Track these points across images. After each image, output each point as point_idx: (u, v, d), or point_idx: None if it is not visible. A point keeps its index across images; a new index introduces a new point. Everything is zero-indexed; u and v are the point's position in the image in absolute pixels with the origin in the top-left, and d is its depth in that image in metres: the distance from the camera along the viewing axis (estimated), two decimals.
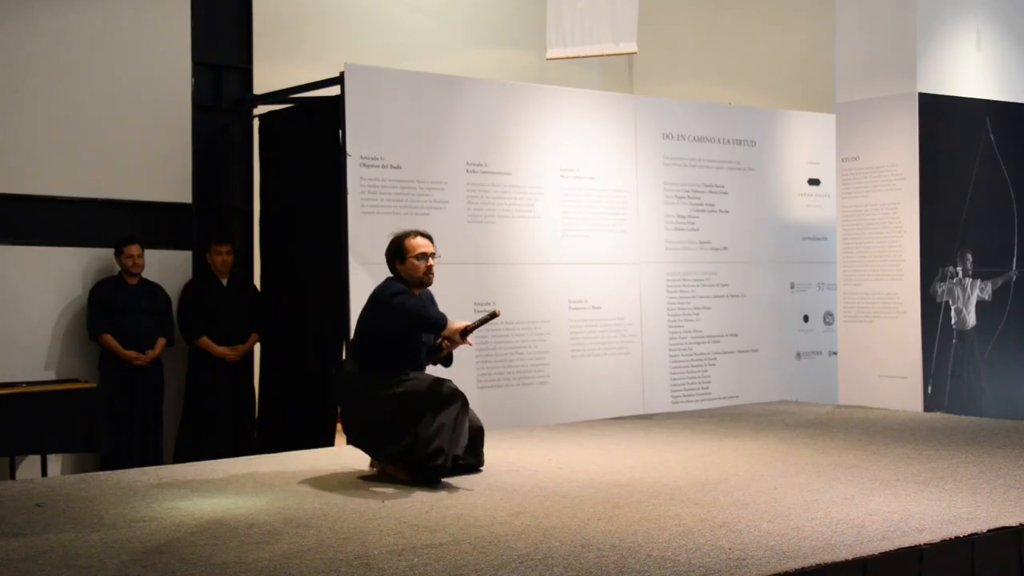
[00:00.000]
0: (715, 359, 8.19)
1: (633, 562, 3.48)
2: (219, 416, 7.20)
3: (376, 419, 4.98)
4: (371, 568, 3.44)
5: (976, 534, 3.85)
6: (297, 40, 9.87)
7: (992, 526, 3.93)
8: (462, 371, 6.73)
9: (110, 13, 7.23)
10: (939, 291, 7.48)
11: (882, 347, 7.57)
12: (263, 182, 7.79)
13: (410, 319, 4.93)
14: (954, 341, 7.52)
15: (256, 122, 7.86)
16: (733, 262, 8.33)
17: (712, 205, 8.25)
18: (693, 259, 8.12)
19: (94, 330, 6.86)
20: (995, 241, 7.78)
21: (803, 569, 3.39)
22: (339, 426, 7.20)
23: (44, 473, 6.49)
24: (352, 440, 5.17)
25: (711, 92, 10.65)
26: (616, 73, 11.87)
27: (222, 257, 7.34)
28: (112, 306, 6.88)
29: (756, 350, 8.41)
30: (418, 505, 4.43)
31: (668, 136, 8.07)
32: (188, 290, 7.29)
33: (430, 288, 5.24)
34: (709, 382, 8.13)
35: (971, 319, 7.62)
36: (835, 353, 8.37)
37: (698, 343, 8.11)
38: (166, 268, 7.31)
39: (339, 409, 5.21)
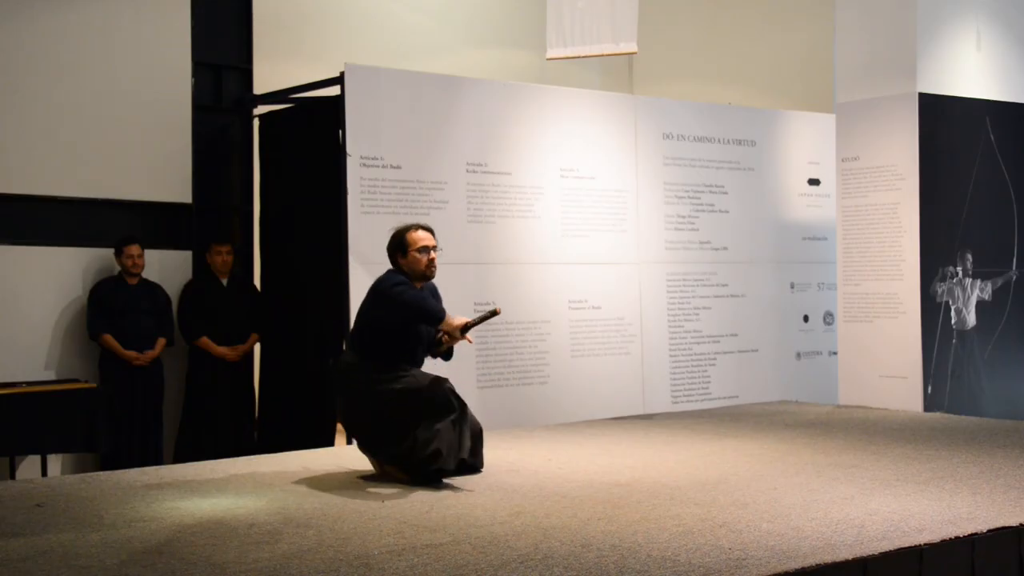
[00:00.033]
0: (715, 359, 8.19)
1: (633, 562, 3.48)
2: (219, 416, 7.20)
3: (374, 414, 4.98)
4: (371, 568, 3.44)
5: (976, 534, 3.85)
6: (297, 40, 9.87)
7: (992, 526, 3.93)
8: (462, 371, 6.73)
9: (110, 13, 7.23)
10: (939, 291, 7.48)
11: (882, 347, 7.57)
12: (263, 182, 7.79)
13: (408, 310, 4.91)
14: (954, 341, 7.52)
15: (256, 122, 7.86)
16: (733, 262, 8.33)
17: (712, 205, 8.25)
18: (693, 259, 8.12)
19: (94, 330, 6.86)
20: (995, 241, 7.78)
21: (803, 569, 3.39)
22: (339, 426, 7.23)
23: (44, 473, 6.49)
24: (350, 432, 5.17)
25: (711, 92, 10.65)
26: (616, 73, 11.87)
27: (222, 257, 7.34)
28: (112, 306, 6.89)
29: (756, 350, 8.41)
30: (418, 505, 4.43)
31: (668, 136, 8.07)
32: (188, 290, 7.29)
33: (434, 282, 5.23)
34: (709, 382, 8.13)
35: (971, 319, 7.62)
36: (835, 353, 8.37)
37: (698, 343, 8.11)
38: (166, 268, 7.31)
39: (337, 400, 5.19)
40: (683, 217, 8.11)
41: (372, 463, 5.17)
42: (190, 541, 3.83)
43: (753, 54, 10.87)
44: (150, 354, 6.96)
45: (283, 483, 4.94)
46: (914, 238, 7.42)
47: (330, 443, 6.91)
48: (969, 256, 7.62)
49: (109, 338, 6.85)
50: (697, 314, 8.12)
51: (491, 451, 5.46)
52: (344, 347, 5.21)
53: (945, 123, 7.54)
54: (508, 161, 7.29)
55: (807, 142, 8.80)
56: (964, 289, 7.60)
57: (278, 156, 7.65)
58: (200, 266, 7.45)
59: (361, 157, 6.66)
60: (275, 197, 7.68)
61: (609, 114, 7.82)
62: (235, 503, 4.49)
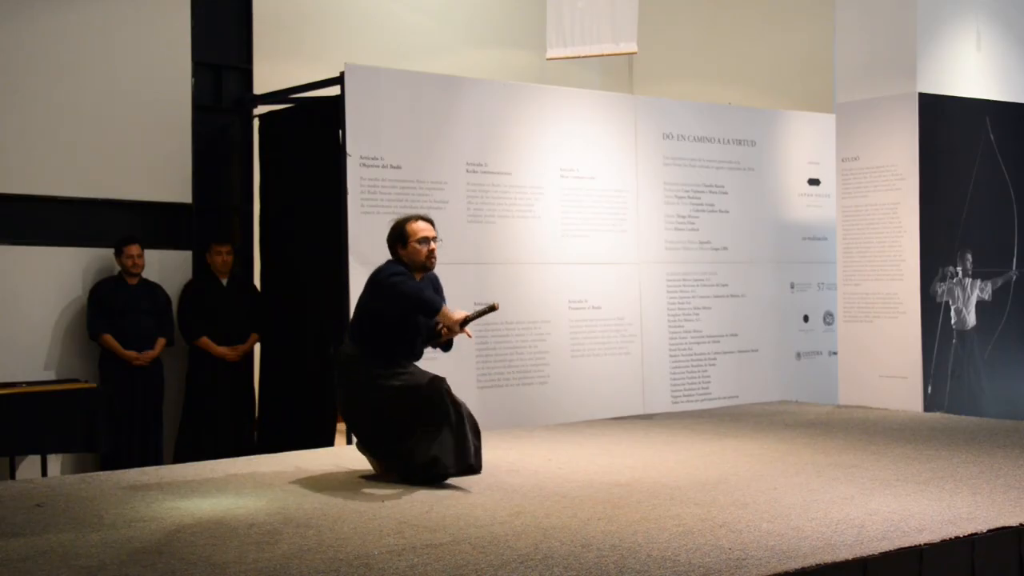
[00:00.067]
0: (715, 359, 8.19)
1: (633, 562, 3.48)
2: (219, 416, 7.20)
3: (373, 411, 4.97)
4: (371, 568, 3.44)
5: (976, 534, 3.85)
6: (297, 40, 9.88)
7: (992, 526, 3.93)
8: (462, 371, 6.74)
9: (110, 13, 7.23)
10: (939, 291, 7.48)
11: (882, 347, 7.57)
12: (263, 182, 7.79)
13: (407, 302, 4.90)
14: (954, 341, 7.52)
15: (256, 122, 7.86)
16: (733, 262, 8.33)
17: (712, 205, 8.25)
18: (693, 259, 8.12)
19: (94, 330, 6.86)
20: (995, 241, 7.78)
21: (803, 569, 3.39)
22: (339, 426, 7.24)
23: (44, 473, 6.49)
24: (348, 426, 5.16)
25: (711, 92, 10.66)
26: (616, 73, 11.87)
27: (222, 257, 7.34)
28: (112, 306, 6.89)
29: (756, 350, 8.41)
30: (418, 505, 4.43)
31: (668, 136, 8.07)
32: (188, 290, 7.29)
33: (436, 274, 5.22)
34: (709, 382, 8.13)
35: (971, 319, 7.62)
36: (835, 353, 8.37)
37: (698, 343, 8.11)
38: (166, 268, 7.31)
39: (337, 391, 5.19)
40: (683, 217, 8.11)
41: (372, 463, 5.17)
42: (190, 541, 3.83)
43: (753, 54, 10.87)
44: (150, 354, 6.96)
45: (283, 483, 4.94)
46: (914, 238, 7.42)
47: (330, 443, 6.91)
48: (969, 256, 7.62)
49: (109, 338, 6.85)
50: (697, 314, 8.12)
51: (491, 451, 5.46)
52: (345, 338, 5.18)
53: (945, 123, 7.54)
54: (508, 161, 7.29)
55: (807, 142, 8.80)
56: (964, 289, 7.60)
57: (278, 156, 7.64)
58: (200, 266, 7.44)
59: (361, 157, 6.66)
60: (275, 197, 7.68)
61: (609, 114, 7.82)
62: (235, 503, 4.49)
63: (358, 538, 3.85)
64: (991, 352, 7.69)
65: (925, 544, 3.70)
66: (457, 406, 4.94)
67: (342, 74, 6.70)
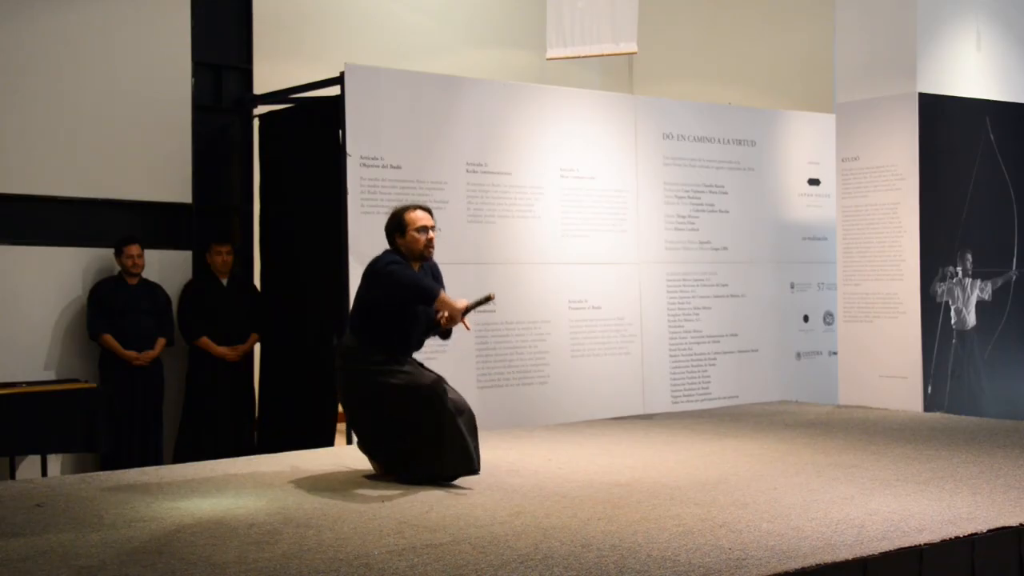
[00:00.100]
0: (715, 359, 8.19)
1: (633, 562, 3.48)
2: (219, 416, 7.20)
3: (373, 407, 4.97)
4: (371, 568, 3.44)
5: (976, 534, 3.85)
6: (297, 40, 9.88)
7: (992, 526, 3.93)
8: (462, 371, 6.74)
9: (110, 13, 7.23)
10: (939, 291, 7.48)
11: (882, 347, 7.57)
12: (263, 182, 7.79)
13: (404, 290, 4.87)
14: (954, 341, 7.52)
15: (256, 122, 7.86)
16: (733, 262, 8.33)
17: (712, 205, 8.25)
18: (693, 259, 8.12)
19: (94, 330, 6.86)
20: (995, 241, 7.78)
21: (803, 569, 3.39)
22: (339, 426, 7.24)
23: (44, 473, 6.49)
24: (349, 422, 5.15)
25: (711, 92, 10.66)
26: (616, 73, 11.87)
27: (222, 257, 7.34)
28: (112, 306, 6.89)
29: (756, 350, 8.41)
30: (418, 505, 4.43)
31: (668, 136, 8.07)
32: (188, 290, 7.29)
33: (436, 262, 5.22)
34: (709, 382, 8.13)
35: (971, 319, 7.62)
36: (835, 353, 8.37)
37: (698, 343, 8.11)
38: (166, 268, 7.31)
39: (337, 385, 5.19)
40: (683, 217, 8.11)
41: (372, 464, 5.17)
42: (190, 541, 3.83)
43: (753, 54, 10.87)
44: (150, 354, 6.96)
45: (283, 483, 4.94)
46: (914, 238, 7.42)
47: (330, 443, 6.91)
48: (969, 256, 7.62)
49: (109, 338, 6.85)
50: (697, 314, 8.12)
51: (491, 451, 5.46)
52: (346, 330, 5.17)
53: (945, 123, 7.54)
54: (508, 161, 7.29)
55: (807, 142, 8.80)
56: (964, 289, 7.60)
57: (278, 156, 7.65)
58: (200, 266, 7.44)
59: (361, 157, 6.66)
60: (275, 197, 7.68)
61: (609, 114, 7.82)
62: (235, 503, 4.49)
63: (358, 538, 3.85)
64: (991, 352, 7.69)
65: (925, 544, 3.70)
66: (458, 408, 4.94)
67: (342, 74, 6.70)
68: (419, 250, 5.02)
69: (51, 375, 6.88)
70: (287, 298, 7.52)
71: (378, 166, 6.70)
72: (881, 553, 3.57)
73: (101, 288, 6.94)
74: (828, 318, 8.77)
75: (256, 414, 7.57)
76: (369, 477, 5.07)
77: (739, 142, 8.42)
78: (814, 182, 8.84)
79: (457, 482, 4.88)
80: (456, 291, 6.34)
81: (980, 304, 7.67)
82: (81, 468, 6.79)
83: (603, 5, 7.73)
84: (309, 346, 7.30)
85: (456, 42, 11.02)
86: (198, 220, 7.53)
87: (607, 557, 3.54)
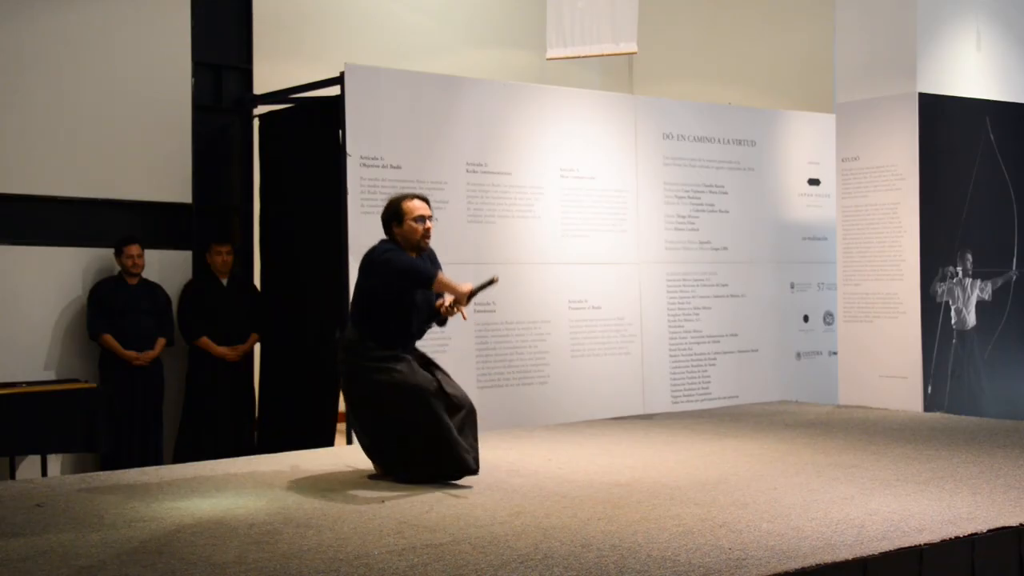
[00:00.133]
0: (715, 359, 8.19)
1: (633, 562, 3.48)
2: (219, 416, 7.20)
3: (369, 405, 4.97)
4: (371, 568, 3.44)
5: (976, 534, 3.85)
6: (297, 40, 9.88)
7: (992, 526, 3.93)
8: (462, 371, 6.73)
9: (110, 13, 7.23)
10: (939, 291, 7.48)
11: (882, 347, 7.57)
12: (263, 182, 7.79)
13: (401, 275, 4.86)
14: (954, 341, 7.52)
15: (256, 122, 7.86)
16: (733, 262, 8.33)
17: (712, 205, 8.25)
18: (693, 259, 8.12)
19: (94, 330, 6.86)
20: (995, 241, 7.78)
21: (803, 569, 3.39)
22: (339, 426, 7.24)
23: (44, 473, 6.49)
24: (350, 420, 5.15)
25: (711, 92, 10.66)
26: (616, 73, 11.87)
27: (222, 257, 7.34)
28: (112, 306, 6.89)
29: (756, 350, 8.41)
30: (418, 505, 4.43)
31: (668, 136, 8.07)
32: (188, 290, 7.29)
33: (433, 250, 5.22)
34: (709, 382, 8.13)
35: (971, 319, 7.62)
36: (835, 353, 8.37)
37: (698, 343, 8.11)
38: (166, 268, 7.31)
39: (340, 379, 5.20)
40: (683, 217, 8.11)
41: (373, 464, 5.17)
42: (190, 541, 3.83)
43: (753, 54, 10.87)
44: (150, 354, 6.96)
45: (283, 483, 4.94)
46: (914, 238, 7.42)
47: (330, 443, 6.91)
48: (969, 256, 7.62)
49: (109, 338, 6.85)
50: (697, 314, 8.12)
51: (491, 451, 5.46)
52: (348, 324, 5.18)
53: (945, 123, 7.54)
54: (508, 161, 7.29)
55: (807, 142, 8.80)
56: (964, 289, 7.60)
57: (278, 156, 7.65)
58: (200, 266, 7.44)
59: (361, 157, 6.66)
60: (275, 197, 7.68)
61: (609, 114, 7.82)
62: (235, 503, 4.49)
63: (358, 538, 3.85)
64: (991, 352, 7.69)
65: (925, 544, 3.70)
66: (457, 404, 4.93)
67: (342, 74, 6.70)
68: (416, 240, 5.02)
69: (51, 375, 6.88)
70: (287, 298, 7.52)
71: (378, 166, 6.70)
72: (881, 553, 3.57)
73: (101, 288, 6.94)
74: (828, 318, 8.77)
75: (256, 414, 7.57)
76: (369, 477, 5.08)
77: (739, 142, 8.42)
78: (814, 182, 8.84)
79: (457, 482, 4.88)
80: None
81: (980, 304, 7.68)
82: (81, 468, 6.79)
83: (603, 5, 7.73)
84: (309, 346, 7.30)
85: (456, 42, 11.02)
86: (198, 220, 7.53)
87: (607, 557, 3.54)
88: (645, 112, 7.99)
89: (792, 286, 8.66)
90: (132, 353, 6.88)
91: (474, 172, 7.14)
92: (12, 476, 6.54)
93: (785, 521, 4.03)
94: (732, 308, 8.29)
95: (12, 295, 6.80)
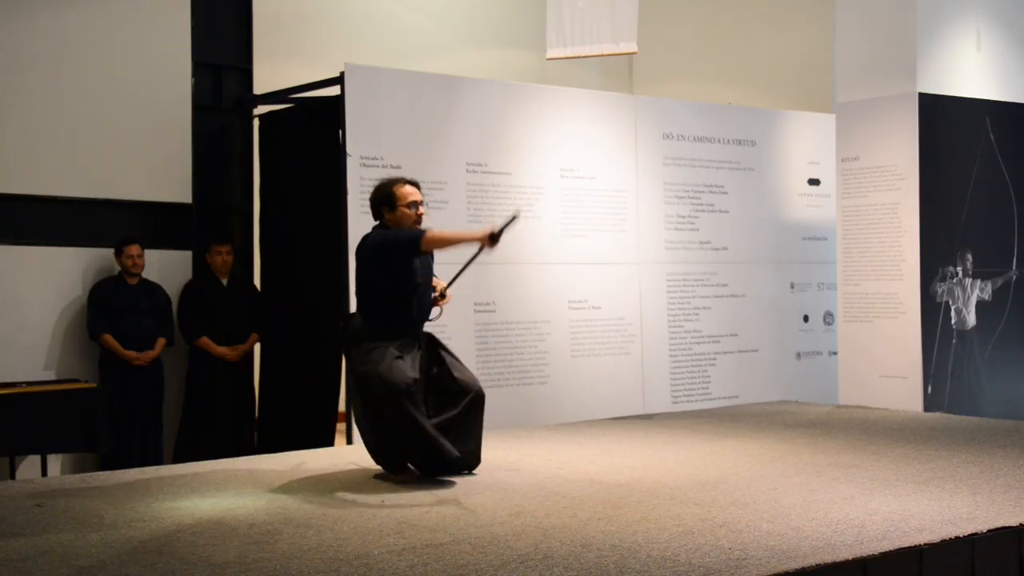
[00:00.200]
0: (715, 359, 8.19)
1: (633, 562, 3.48)
2: (219, 416, 7.20)
3: (357, 393, 5.02)
4: (371, 568, 3.44)
5: (976, 534, 3.85)
6: (297, 40, 9.88)
7: (992, 526, 3.93)
8: None
9: (110, 13, 7.23)
10: (939, 291, 7.48)
11: (882, 347, 7.57)
12: (263, 182, 7.79)
13: (397, 246, 4.90)
14: (954, 341, 7.52)
15: (256, 122, 7.86)
16: (733, 262, 8.33)
17: (712, 205, 8.25)
18: (693, 259, 8.12)
19: (94, 330, 6.86)
20: (995, 241, 7.78)
21: (803, 569, 3.39)
22: (339, 426, 7.24)
23: (44, 473, 6.49)
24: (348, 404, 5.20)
25: (711, 92, 10.66)
26: (616, 73, 11.87)
27: (222, 257, 7.34)
28: (112, 306, 6.89)
29: (756, 350, 8.41)
30: (418, 505, 4.43)
31: (668, 136, 8.07)
32: (188, 290, 7.29)
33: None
34: (709, 382, 8.13)
35: (971, 319, 7.62)
36: (835, 353, 8.37)
37: (698, 343, 8.11)
38: (166, 268, 7.31)
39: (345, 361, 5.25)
40: (683, 217, 8.11)
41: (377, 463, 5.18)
42: (190, 541, 3.83)
43: (753, 54, 10.87)
44: (150, 354, 6.96)
45: (283, 483, 4.94)
46: (914, 238, 7.42)
47: (330, 443, 6.91)
48: (969, 256, 7.62)
49: (109, 338, 6.85)
50: (697, 314, 8.12)
51: (491, 451, 5.46)
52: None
53: (945, 123, 7.54)
54: (508, 161, 7.29)
55: (807, 142, 8.80)
56: (964, 289, 7.60)
57: (278, 156, 7.65)
58: (200, 266, 7.44)
59: (361, 157, 6.66)
60: (275, 197, 7.68)
61: (609, 114, 7.82)
62: (235, 503, 4.49)
63: (358, 538, 3.85)
64: (991, 352, 7.69)
65: (925, 544, 3.70)
66: (458, 392, 4.98)
67: (342, 74, 6.70)
68: (408, 226, 5.03)
69: (51, 375, 6.88)
70: (287, 298, 7.53)
71: (378, 166, 6.70)
72: (881, 553, 3.57)
73: (101, 288, 6.94)
74: (828, 318, 8.77)
75: (256, 414, 7.57)
76: (369, 477, 5.07)
77: (739, 142, 8.42)
78: (814, 182, 8.84)
79: (457, 482, 4.88)
80: (456, 291, 6.34)
81: (980, 304, 7.68)
82: (81, 468, 6.79)
83: (603, 5, 7.73)
84: (309, 346, 7.30)
85: (456, 42, 11.01)
86: (198, 220, 7.53)
87: (607, 557, 3.54)
88: (645, 112, 7.99)
89: (792, 286, 8.66)
90: (132, 353, 6.88)
91: (474, 172, 7.14)
92: (12, 476, 6.54)
93: (785, 521, 4.03)
94: (732, 308, 8.29)
95: (12, 295, 6.80)
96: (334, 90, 6.85)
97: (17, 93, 6.88)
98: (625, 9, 7.70)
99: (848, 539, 3.74)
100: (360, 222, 6.57)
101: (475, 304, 7.02)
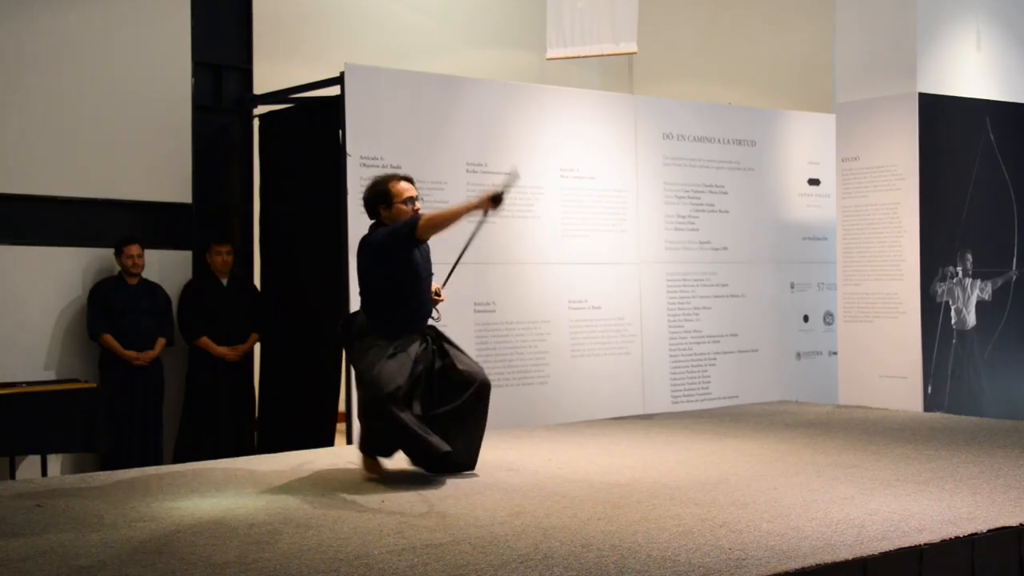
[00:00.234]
0: (715, 359, 8.18)
1: (633, 562, 3.48)
2: (219, 416, 7.20)
3: (358, 388, 5.07)
4: (371, 568, 3.44)
5: (976, 534, 3.85)
6: (297, 40, 9.88)
7: (992, 526, 3.93)
8: None
9: (110, 13, 7.23)
10: (939, 291, 7.48)
11: (882, 347, 7.57)
12: (263, 182, 7.79)
13: (396, 237, 4.91)
14: (954, 341, 7.52)
15: (256, 122, 7.86)
16: (733, 262, 8.32)
17: (712, 205, 8.25)
18: (693, 259, 8.12)
19: (94, 330, 6.86)
20: (995, 241, 7.78)
21: (803, 569, 3.39)
22: (339, 426, 7.24)
23: (44, 473, 6.49)
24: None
25: (711, 92, 10.66)
26: (616, 73, 11.87)
27: (222, 257, 7.34)
28: (112, 306, 6.89)
29: (756, 350, 8.41)
30: (418, 505, 4.43)
31: (668, 136, 8.07)
32: (188, 290, 7.29)
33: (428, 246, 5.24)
34: (709, 382, 8.13)
35: (971, 319, 7.62)
36: (835, 353, 8.37)
37: (698, 343, 8.11)
38: (166, 268, 7.31)
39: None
40: (683, 217, 8.11)
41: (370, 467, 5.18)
42: (190, 541, 3.83)
43: (753, 54, 10.87)
44: (150, 354, 6.96)
45: (283, 483, 4.94)
46: (914, 238, 7.42)
47: (330, 443, 6.91)
48: (969, 256, 7.62)
49: (109, 338, 6.85)
50: (697, 314, 8.12)
51: (491, 451, 5.46)
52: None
53: (945, 123, 7.54)
54: (508, 161, 7.28)
55: (807, 142, 8.80)
56: (964, 289, 7.60)
57: (278, 156, 7.65)
58: (200, 266, 7.44)
59: (361, 157, 6.66)
60: (275, 197, 7.68)
61: (609, 114, 7.82)
62: (235, 503, 4.49)
63: (358, 538, 3.85)
64: (991, 352, 7.69)
65: (925, 544, 3.70)
66: (462, 384, 4.98)
67: (342, 74, 6.70)
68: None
69: (51, 375, 6.88)
70: (287, 298, 7.52)
71: (378, 166, 6.70)
72: (881, 553, 3.57)
73: (101, 288, 6.94)
74: (828, 318, 8.77)
75: (256, 414, 7.57)
76: (369, 477, 5.07)
77: (739, 142, 8.42)
78: (814, 182, 8.84)
79: (457, 482, 4.88)
80: (456, 290, 6.34)
81: (980, 304, 7.68)
82: (81, 468, 6.79)
83: (603, 5, 7.73)
84: (309, 346, 7.30)
85: (456, 42, 11.01)
86: (198, 220, 7.53)
87: (607, 557, 3.54)
88: (645, 112, 7.99)
89: (792, 286, 8.66)
90: (132, 353, 6.88)
91: (474, 172, 7.14)
92: (12, 476, 6.54)
93: (785, 521, 4.03)
94: (732, 308, 8.29)
95: (12, 295, 6.80)
96: (334, 90, 6.85)
97: (17, 93, 6.88)
98: (625, 9, 7.70)
99: (848, 539, 3.74)
100: (360, 222, 6.55)
101: (475, 304, 7.02)
